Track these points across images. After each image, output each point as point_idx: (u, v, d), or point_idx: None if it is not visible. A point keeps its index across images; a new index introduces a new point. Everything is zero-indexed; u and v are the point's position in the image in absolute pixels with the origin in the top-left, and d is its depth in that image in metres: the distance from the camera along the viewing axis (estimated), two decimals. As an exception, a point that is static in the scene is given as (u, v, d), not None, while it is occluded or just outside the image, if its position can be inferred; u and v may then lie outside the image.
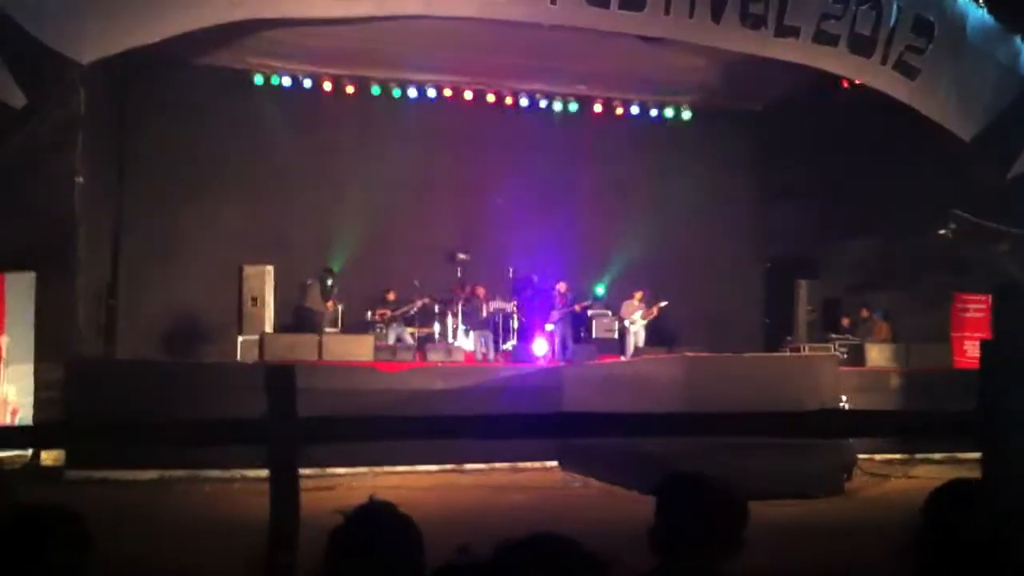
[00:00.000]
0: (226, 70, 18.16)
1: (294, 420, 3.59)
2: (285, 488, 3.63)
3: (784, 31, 14.83)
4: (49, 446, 11.47)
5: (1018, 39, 15.71)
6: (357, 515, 2.67)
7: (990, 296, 15.50)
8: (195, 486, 11.71)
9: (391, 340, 16.84)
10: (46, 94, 13.23)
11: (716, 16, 14.53)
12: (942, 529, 2.80)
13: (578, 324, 18.61)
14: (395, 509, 2.69)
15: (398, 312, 17.44)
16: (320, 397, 11.34)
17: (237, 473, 11.43)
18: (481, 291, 17.83)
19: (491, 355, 17.16)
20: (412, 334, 17.43)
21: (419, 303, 17.66)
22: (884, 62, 15.38)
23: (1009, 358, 3.51)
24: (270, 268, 16.49)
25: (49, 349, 13.36)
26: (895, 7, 15.04)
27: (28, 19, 12.56)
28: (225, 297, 16.60)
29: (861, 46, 15.20)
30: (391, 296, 17.59)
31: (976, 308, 16.29)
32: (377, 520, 2.67)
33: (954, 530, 2.78)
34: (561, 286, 17.99)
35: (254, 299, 16.16)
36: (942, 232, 16.65)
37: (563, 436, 11.00)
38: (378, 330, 17.06)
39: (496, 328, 17.83)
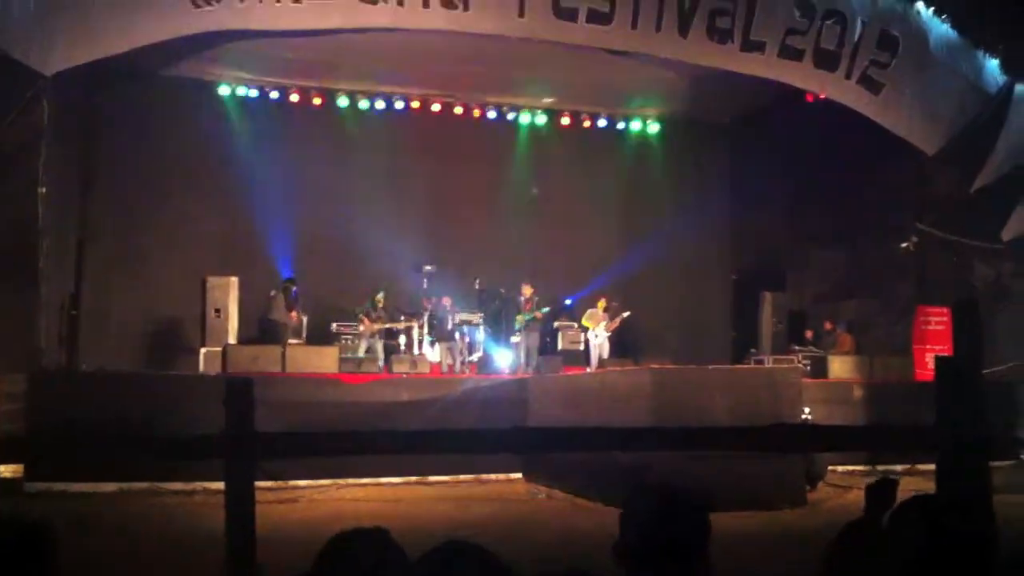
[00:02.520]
0: (192, 81, 18.08)
1: (251, 435, 3.58)
2: (241, 503, 3.62)
3: (750, 46, 14.95)
4: (7, 460, 11.33)
5: (981, 53, 15.89)
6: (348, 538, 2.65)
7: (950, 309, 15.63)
8: (156, 499, 11.61)
9: (362, 351, 16.77)
10: (9, 105, 13.12)
11: (683, 30, 14.62)
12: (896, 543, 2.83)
13: (544, 335, 18.60)
14: (387, 534, 2.67)
15: (377, 327, 17.24)
16: (283, 409, 11.42)
17: (199, 485, 11.34)
18: (447, 302, 17.80)
19: (457, 366, 17.10)
20: (382, 345, 17.35)
21: (403, 325, 17.55)
22: (849, 76, 15.53)
23: (962, 374, 3.55)
24: (234, 279, 16.39)
25: (12, 360, 13.20)
26: (859, 22, 15.19)
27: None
28: (189, 308, 16.51)
29: (826, 61, 15.34)
30: (380, 302, 17.41)
31: (938, 321, 16.40)
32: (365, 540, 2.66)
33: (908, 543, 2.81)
34: (527, 290, 17.79)
35: (217, 310, 16.05)
36: (905, 245, 16.83)
37: (528, 451, 10.97)
38: (344, 341, 16.97)
39: (462, 339, 17.78)
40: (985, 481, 3.55)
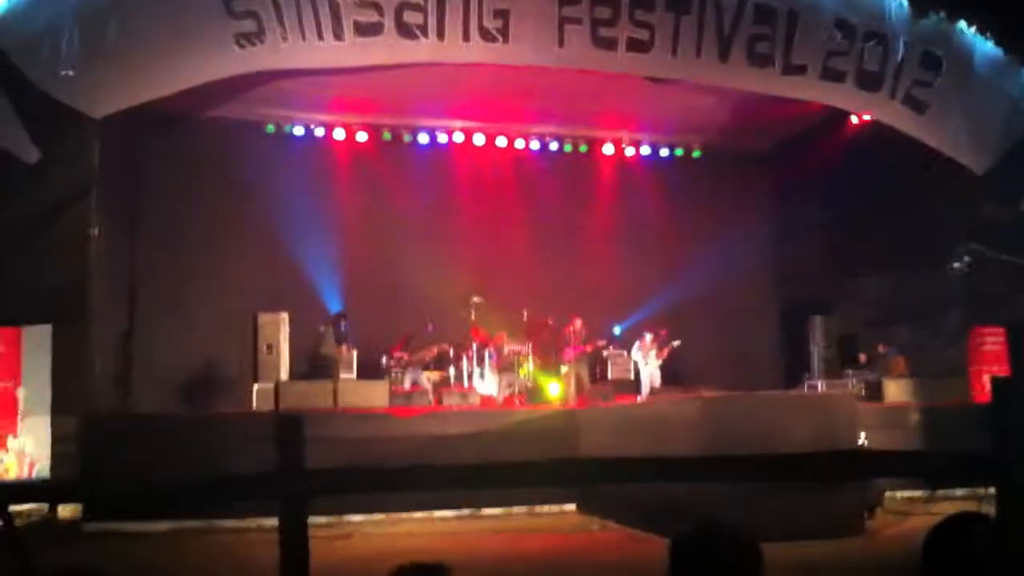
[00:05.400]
0: (237, 121, 18.30)
1: (302, 473, 3.59)
2: (294, 540, 3.62)
3: (791, 69, 14.88)
4: (66, 501, 11.48)
5: (1027, 72, 15.73)
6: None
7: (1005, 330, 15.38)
8: (210, 536, 11.66)
9: (407, 385, 16.81)
10: (61, 149, 13.39)
11: (723, 56, 14.59)
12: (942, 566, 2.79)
13: (594, 364, 18.56)
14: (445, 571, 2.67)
15: (415, 358, 17.42)
16: (335, 445, 11.39)
17: (252, 523, 11.36)
18: (502, 335, 17.82)
19: (499, 398, 17.06)
20: (428, 378, 17.40)
21: (436, 350, 17.68)
22: (893, 96, 15.40)
23: (1018, 395, 3.48)
24: (284, 315, 16.52)
25: (65, 402, 13.37)
26: (902, 42, 15.08)
27: (42, 77, 12.80)
28: (240, 346, 16.62)
29: (869, 81, 15.23)
30: (410, 338, 17.57)
31: (993, 341, 16.14)
32: None
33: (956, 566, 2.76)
34: (576, 323, 17.95)
35: (269, 347, 16.17)
36: (956, 266, 16.58)
37: (579, 483, 10.91)
38: (394, 375, 17.03)
39: (512, 371, 17.77)
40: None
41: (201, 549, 11.13)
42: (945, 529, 2.96)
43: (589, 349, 17.94)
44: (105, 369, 15.02)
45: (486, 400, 16.46)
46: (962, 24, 15.31)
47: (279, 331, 16.36)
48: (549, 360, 18.02)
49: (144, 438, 12.54)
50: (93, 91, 13.32)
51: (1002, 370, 14.35)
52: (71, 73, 12.83)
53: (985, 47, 15.47)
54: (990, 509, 3.47)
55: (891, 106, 15.53)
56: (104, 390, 14.90)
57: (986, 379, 15.57)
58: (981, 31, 15.36)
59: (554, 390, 17.34)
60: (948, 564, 2.82)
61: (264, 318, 16.39)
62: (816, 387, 16.56)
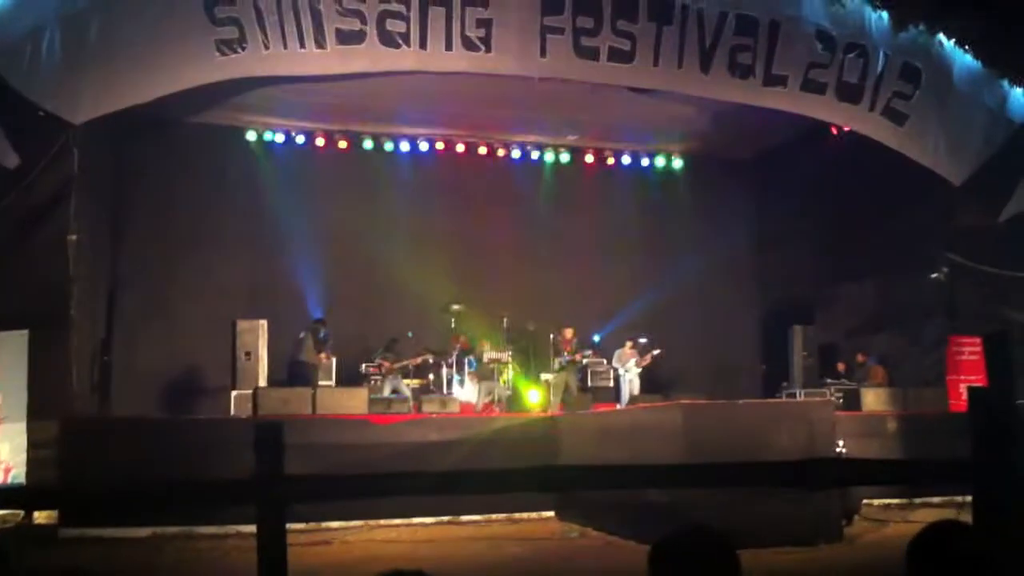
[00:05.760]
0: (219, 128, 18.29)
1: (281, 479, 3.59)
2: (273, 547, 3.62)
3: (772, 80, 14.96)
4: (42, 508, 11.38)
5: (1005, 83, 15.84)
6: None
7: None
8: (189, 543, 11.59)
9: (387, 392, 16.79)
10: (40, 154, 13.32)
11: (705, 67, 14.66)
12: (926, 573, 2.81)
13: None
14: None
15: (396, 366, 17.41)
16: (314, 452, 11.43)
17: (232, 529, 11.30)
18: (486, 343, 17.81)
19: (479, 406, 17.05)
20: (408, 385, 17.39)
21: (419, 359, 17.68)
22: (872, 108, 15.51)
23: (995, 405, 3.52)
24: (263, 322, 16.46)
25: (43, 407, 13.27)
26: (882, 54, 15.19)
27: (22, 82, 12.71)
28: (219, 352, 16.56)
29: (849, 93, 15.33)
30: (395, 345, 17.58)
31: (971, 351, 16.25)
32: None
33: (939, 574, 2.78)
34: (567, 332, 18.02)
35: (248, 354, 16.12)
36: (935, 276, 16.71)
37: (559, 490, 10.91)
38: (373, 382, 17.01)
39: (492, 378, 17.77)
40: (1021, 512, 3.50)
41: (180, 555, 11.06)
42: (928, 536, 2.98)
43: (579, 358, 18.00)
44: (83, 374, 14.92)
45: (465, 407, 16.44)
46: (941, 37, 15.42)
47: (258, 337, 16.31)
48: (528, 367, 18.03)
49: (123, 443, 12.45)
50: (74, 96, 13.24)
51: (979, 380, 14.49)
52: (52, 78, 12.78)
53: (964, 59, 15.59)
54: (967, 517, 3.51)
55: (871, 118, 15.64)
56: (82, 395, 14.80)
57: (963, 389, 15.69)
58: (960, 44, 15.48)
59: (534, 398, 17.36)
60: (931, 571, 2.84)
61: (243, 325, 16.33)
62: (795, 395, 16.64)
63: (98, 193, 16.05)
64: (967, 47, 15.52)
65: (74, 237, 13.82)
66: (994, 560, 2.89)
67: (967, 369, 16.08)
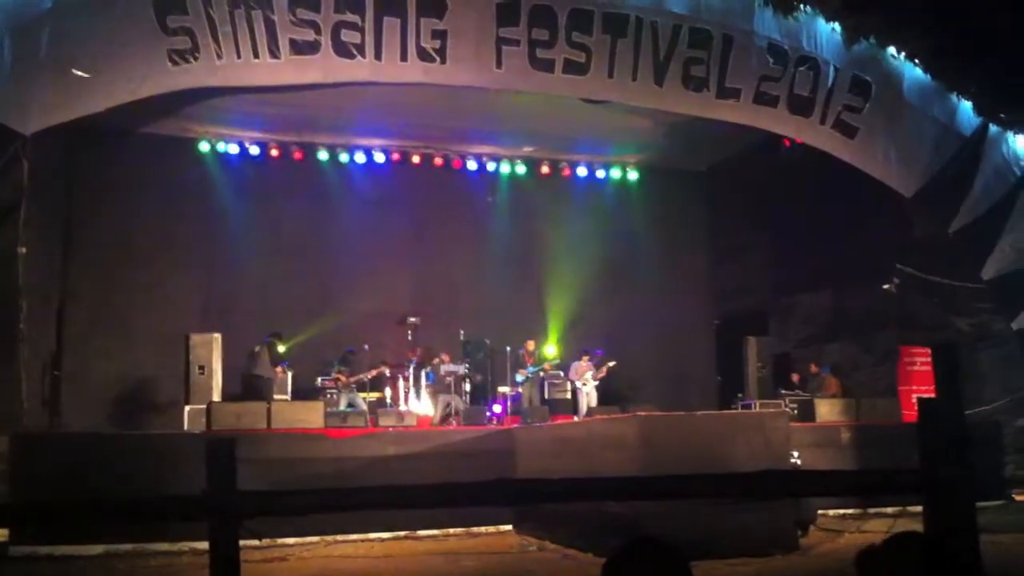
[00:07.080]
0: (172, 138, 18.14)
1: (234, 495, 3.54)
2: (226, 564, 3.57)
3: (725, 93, 15.08)
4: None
5: (955, 97, 16.06)
6: None
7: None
8: (141, 560, 11.43)
9: (343, 406, 16.68)
10: (-12, 165, 13.13)
11: (659, 79, 14.74)
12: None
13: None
14: None
15: (352, 379, 17.31)
16: (270, 466, 11.33)
17: (185, 546, 11.19)
18: (446, 356, 17.75)
19: (437, 419, 16.98)
20: (364, 399, 17.29)
21: (375, 372, 17.58)
22: (823, 121, 15.67)
23: (944, 416, 3.56)
24: (217, 336, 16.27)
25: (-7, 422, 13.07)
26: (832, 68, 15.36)
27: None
28: (172, 366, 16.37)
29: (800, 106, 15.48)
30: (351, 358, 17.49)
31: (923, 362, 16.46)
32: None
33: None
34: (530, 344, 18.15)
35: (201, 368, 15.92)
36: (887, 287, 16.90)
37: (516, 503, 10.88)
38: (328, 396, 16.89)
39: (448, 391, 17.71)
40: (971, 522, 3.54)
41: (132, 572, 10.89)
42: (878, 547, 3.00)
43: (547, 368, 18.08)
44: (34, 389, 14.70)
45: (423, 420, 16.37)
46: (892, 50, 15.61)
47: (211, 351, 16.12)
48: (485, 380, 18.02)
49: (73, 458, 12.28)
50: (24, 107, 13.06)
51: (931, 391, 14.62)
52: (1, 87, 12.61)
53: (914, 73, 15.77)
54: (918, 526, 3.54)
55: (822, 131, 15.80)
56: (32, 410, 14.58)
57: (915, 399, 15.86)
58: (910, 57, 15.67)
59: (492, 410, 17.33)
60: None
61: (196, 339, 16.14)
62: (750, 407, 16.73)
63: (49, 204, 15.85)
64: (917, 61, 15.72)
65: (23, 249, 13.60)
66: (943, 570, 2.92)
67: (919, 380, 16.29)
